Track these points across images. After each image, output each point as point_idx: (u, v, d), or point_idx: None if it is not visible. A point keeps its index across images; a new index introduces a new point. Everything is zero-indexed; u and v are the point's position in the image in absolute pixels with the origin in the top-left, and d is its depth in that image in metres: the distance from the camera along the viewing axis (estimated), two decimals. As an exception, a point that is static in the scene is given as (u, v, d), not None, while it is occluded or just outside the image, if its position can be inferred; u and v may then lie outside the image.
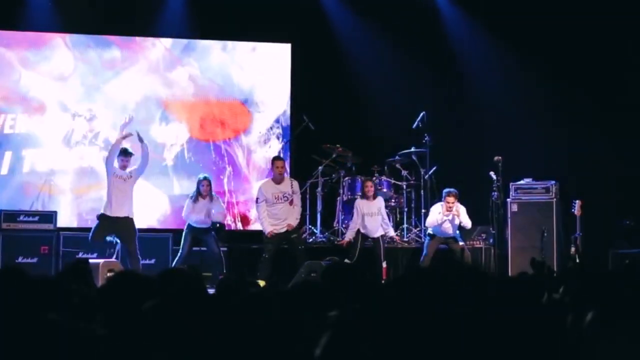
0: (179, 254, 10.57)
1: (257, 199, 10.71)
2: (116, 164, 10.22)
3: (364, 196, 10.94)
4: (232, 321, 2.44)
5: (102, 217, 10.18)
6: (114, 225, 10.14)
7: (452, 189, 10.69)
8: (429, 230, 10.88)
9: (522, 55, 12.63)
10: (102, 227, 10.15)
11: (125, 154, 10.28)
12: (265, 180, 11.09)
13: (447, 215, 10.61)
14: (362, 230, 10.83)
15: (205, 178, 10.79)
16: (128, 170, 10.27)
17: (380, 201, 11.01)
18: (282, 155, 12.10)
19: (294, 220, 10.61)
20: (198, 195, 10.66)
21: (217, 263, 10.54)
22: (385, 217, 11.06)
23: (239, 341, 2.39)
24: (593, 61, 12.37)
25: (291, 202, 10.57)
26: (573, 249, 10.67)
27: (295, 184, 10.79)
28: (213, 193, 10.87)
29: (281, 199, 10.55)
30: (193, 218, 10.62)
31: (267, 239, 10.53)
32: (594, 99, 12.33)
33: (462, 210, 10.69)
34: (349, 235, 10.86)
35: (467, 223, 10.72)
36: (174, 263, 10.57)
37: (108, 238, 10.25)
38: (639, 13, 12.06)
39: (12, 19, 12.44)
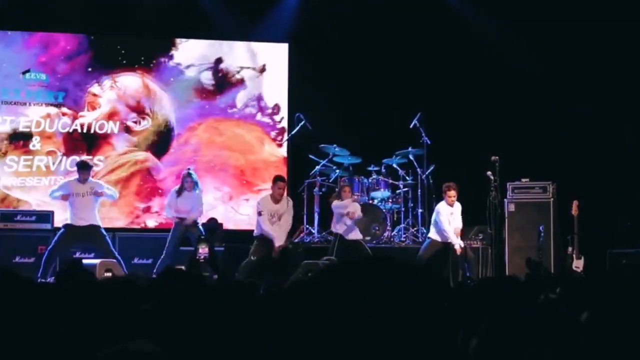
0: (163, 252, 10.59)
1: (259, 212, 10.71)
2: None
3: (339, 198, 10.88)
4: (226, 321, 2.44)
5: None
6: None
7: (450, 183, 10.72)
8: (430, 234, 10.87)
9: (520, 54, 12.63)
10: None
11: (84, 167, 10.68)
12: (265, 196, 11.03)
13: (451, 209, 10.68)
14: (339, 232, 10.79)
15: (187, 172, 10.96)
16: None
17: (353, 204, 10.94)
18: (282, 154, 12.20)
19: (283, 241, 10.61)
20: (182, 189, 10.86)
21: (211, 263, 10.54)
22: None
23: (234, 340, 2.40)
24: (592, 60, 12.38)
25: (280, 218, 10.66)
26: (570, 249, 10.69)
27: (291, 203, 10.86)
28: (197, 186, 10.98)
29: (275, 217, 10.63)
30: (175, 211, 10.77)
31: (258, 241, 10.56)
32: (592, 97, 12.34)
33: (460, 209, 10.76)
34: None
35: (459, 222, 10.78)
36: (158, 262, 10.55)
37: None
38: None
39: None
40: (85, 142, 12.67)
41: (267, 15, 13.24)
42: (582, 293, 2.90)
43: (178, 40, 13.18)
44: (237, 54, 13.37)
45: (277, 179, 10.90)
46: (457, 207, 10.85)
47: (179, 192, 10.87)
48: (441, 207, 10.85)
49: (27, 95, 12.54)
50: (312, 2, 13.12)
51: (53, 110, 12.59)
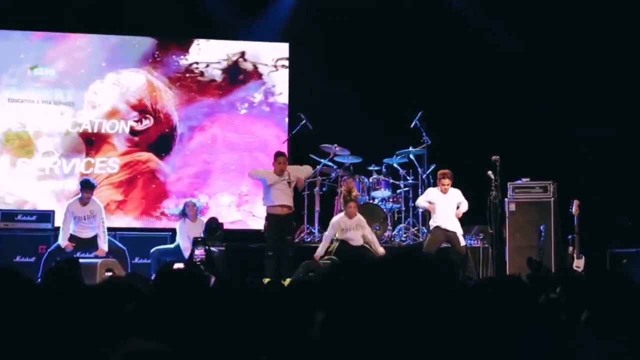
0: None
1: (263, 182, 10.67)
2: None
3: (346, 214, 10.69)
4: (227, 319, 2.43)
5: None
6: None
7: (445, 170, 10.65)
8: (431, 223, 10.77)
9: (521, 54, 12.62)
10: None
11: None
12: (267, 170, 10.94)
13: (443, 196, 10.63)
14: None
15: (191, 202, 11.00)
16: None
17: (359, 219, 10.73)
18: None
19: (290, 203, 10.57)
20: (185, 217, 10.85)
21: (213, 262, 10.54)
22: (372, 236, 10.82)
23: (234, 339, 2.39)
24: (593, 60, 12.38)
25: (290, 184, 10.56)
26: (570, 249, 10.68)
27: (294, 167, 10.77)
28: (198, 216, 11.00)
29: (285, 181, 10.52)
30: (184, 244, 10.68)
31: (268, 234, 10.52)
32: (593, 97, 12.34)
33: (458, 192, 10.69)
34: (320, 252, 10.57)
35: (464, 205, 10.66)
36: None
37: None
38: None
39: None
40: (84, 142, 12.54)
41: (268, 15, 13.23)
42: (583, 293, 2.90)
43: (185, 40, 13.10)
44: (248, 53, 13.27)
45: (276, 154, 10.79)
46: (453, 193, 10.66)
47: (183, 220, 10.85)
48: (431, 190, 10.87)
49: (35, 92, 12.42)
50: (313, 2, 13.11)
51: (55, 108, 12.45)
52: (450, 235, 10.55)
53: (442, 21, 13.07)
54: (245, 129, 13.14)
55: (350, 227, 10.67)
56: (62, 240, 10.44)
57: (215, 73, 13.13)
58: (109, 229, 11.02)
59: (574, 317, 2.30)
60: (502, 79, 12.74)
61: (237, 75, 13.21)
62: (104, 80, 12.66)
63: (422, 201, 10.89)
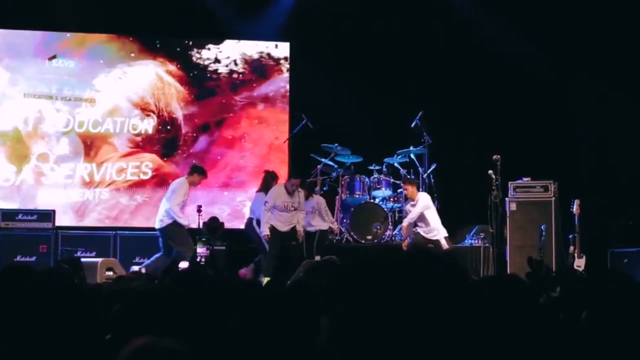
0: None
1: (265, 202, 10.74)
2: None
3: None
4: (226, 318, 2.44)
5: None
6: None
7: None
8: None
9: (522, 54, 12.62)
10: None
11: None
12: (279, 187, 10.98)
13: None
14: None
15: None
16: None
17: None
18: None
19: (301, 227, 10.81)
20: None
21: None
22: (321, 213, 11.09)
23: (234, 338, 2.39)
24: (593, 60, 12.38)
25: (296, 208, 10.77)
26: (571, 248, 10.67)
27: (302, 194, 10.90)
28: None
29: (290, 208, 10.70)
30: None
31: (269, 242, 10.64)
32: (594, 97, 12.33)
33: (421, 198, 10.93)
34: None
35: (411, 215, 10.88)
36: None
37: None
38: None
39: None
40: (82, 142, 12.35)
41: (268, 14, 13.24)
42: (583, 292, 2.90)
43: (194, 39, 13.07)
44: (257, 52, 13.29)
45: (292, 176, 11.00)
46: (417, 199, 10.97)
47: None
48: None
49: (55, 86, 12.25)
50: (313, 2, 13.11)
51: (54, 106, 12.26)
52: (434, 243, 10.73)
53: (443, 21, 13.06)
54: (263, 127, 13.11)
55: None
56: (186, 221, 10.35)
57: (229, 72, 13.08)
58: (114, 229, 11.12)
59: (574, 317, 2.30)
60: (502, 79, 12.73)
61: (252, 73, 13.19)
62: (109, 75, 12.46)
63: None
